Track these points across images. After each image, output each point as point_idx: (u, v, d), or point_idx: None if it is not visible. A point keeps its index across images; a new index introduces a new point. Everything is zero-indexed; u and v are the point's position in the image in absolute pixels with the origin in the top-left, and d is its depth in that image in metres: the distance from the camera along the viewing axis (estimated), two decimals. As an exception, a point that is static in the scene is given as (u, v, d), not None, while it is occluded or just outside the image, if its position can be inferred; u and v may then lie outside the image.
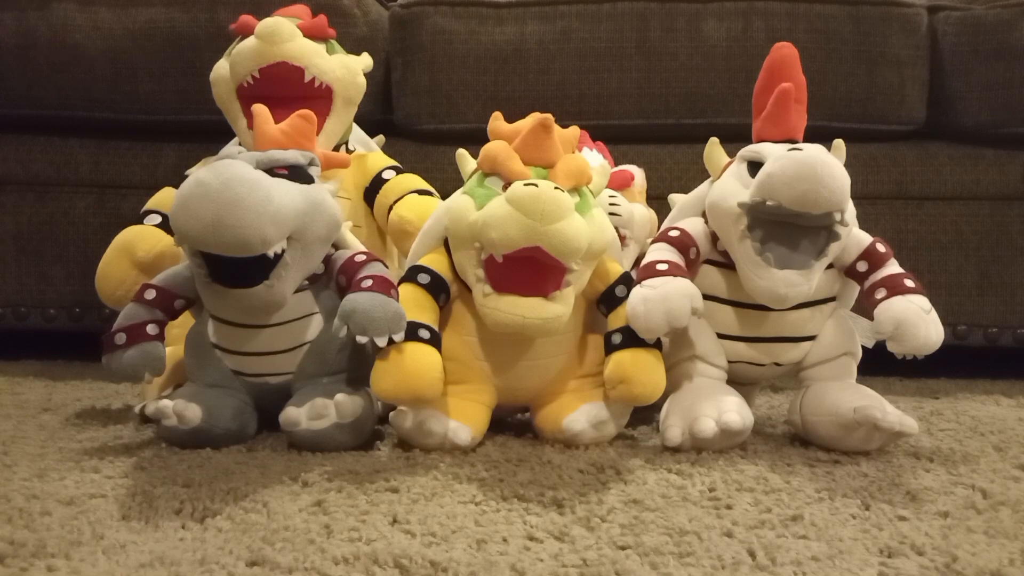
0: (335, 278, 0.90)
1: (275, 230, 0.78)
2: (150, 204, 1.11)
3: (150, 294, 0.88)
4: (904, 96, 1.29)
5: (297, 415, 0.83)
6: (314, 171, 0.89)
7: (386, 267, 0.89)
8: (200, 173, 0.77)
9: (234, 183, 0.76)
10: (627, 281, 0.91)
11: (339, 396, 0.84)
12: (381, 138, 1.23)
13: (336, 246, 0.92)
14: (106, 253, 1.05)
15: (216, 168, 0.77)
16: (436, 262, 0.90)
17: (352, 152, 1.12)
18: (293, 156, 0.87)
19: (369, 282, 0.83)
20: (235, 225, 0.76)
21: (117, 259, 1.04)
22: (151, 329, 0.86)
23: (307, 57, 1.04)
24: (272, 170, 0.84)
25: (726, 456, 0.85)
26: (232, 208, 0.75)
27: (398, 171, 1.11)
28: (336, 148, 1.10)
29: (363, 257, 0.89)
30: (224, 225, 0.76)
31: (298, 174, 0.86)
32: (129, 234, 1.06)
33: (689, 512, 0.69)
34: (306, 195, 0.83)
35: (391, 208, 1.06)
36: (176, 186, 0.81)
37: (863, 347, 0.94)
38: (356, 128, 1.16)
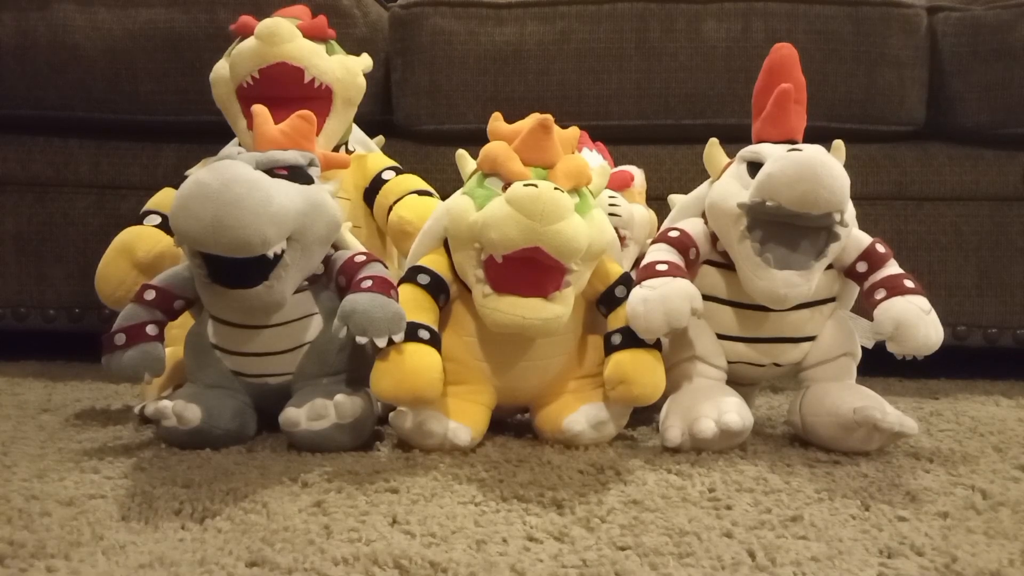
0: (335, 279, 0.90)
1: (275, 231, 0.78)
2: (150, 204, 1.11)
3: (150, 295, 0.88)
4: (904, 97, 1.29)
5: (297, 416, 0.83)
6: (314, 172, 0.89)
7: (386, 267, 0.89)
8: (200, 174, 0.77)
9: (234, 184, 0.76)
10: (627, 281, 0.91)
11: (339, 397, 0.84)
12: (381, 139, 1.23)
13: (336, 246, 0.92)
14: (106, 253, 1.05)
15: (216, 169, 0.77)
16: (436, 263, 0.90)
17: (352, 152, 1.12)
18: (293, 157, 0.87)
19: (369, 283, 0.83)
20: (235, 226, 0.76)
21: (117, 259, 1.05)
22: (151, 330, 0.86)
23: (307, 58, 1.04)
24: (272, 171, 0.84)
25: (726, 457, 0.85)
26: (232, 209, 0.75)
27: (398, 172, 1.11)
28: (336, 149, 1.10)
29: (363, 257, 0.89)
30: (224, 226, 0.76)
31: (298, 175, 0.86)
32: (129, 234, 1.06)
33: (689, 513, 0.69)
34: (306, 196, 0.83)
35: (391, 209, 1.06)
36: (176, 186, 0.81)
37: (863, 347, 0.94)
38: (356, 128, 1.16)
